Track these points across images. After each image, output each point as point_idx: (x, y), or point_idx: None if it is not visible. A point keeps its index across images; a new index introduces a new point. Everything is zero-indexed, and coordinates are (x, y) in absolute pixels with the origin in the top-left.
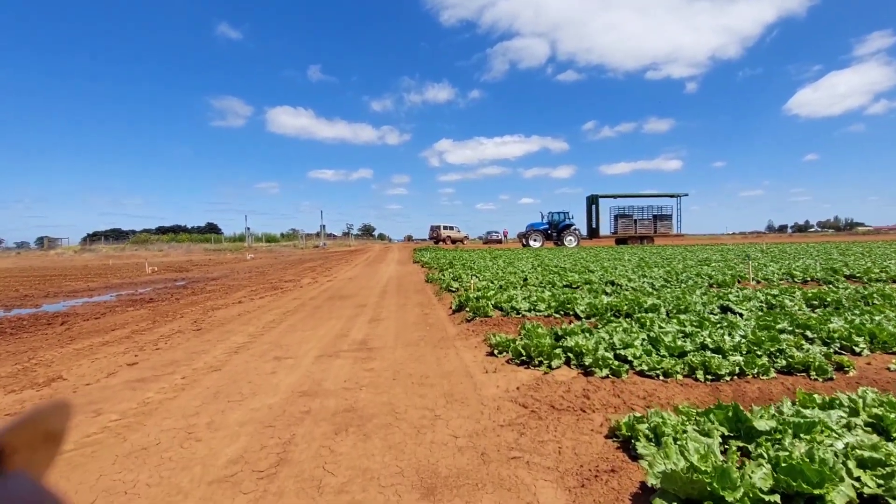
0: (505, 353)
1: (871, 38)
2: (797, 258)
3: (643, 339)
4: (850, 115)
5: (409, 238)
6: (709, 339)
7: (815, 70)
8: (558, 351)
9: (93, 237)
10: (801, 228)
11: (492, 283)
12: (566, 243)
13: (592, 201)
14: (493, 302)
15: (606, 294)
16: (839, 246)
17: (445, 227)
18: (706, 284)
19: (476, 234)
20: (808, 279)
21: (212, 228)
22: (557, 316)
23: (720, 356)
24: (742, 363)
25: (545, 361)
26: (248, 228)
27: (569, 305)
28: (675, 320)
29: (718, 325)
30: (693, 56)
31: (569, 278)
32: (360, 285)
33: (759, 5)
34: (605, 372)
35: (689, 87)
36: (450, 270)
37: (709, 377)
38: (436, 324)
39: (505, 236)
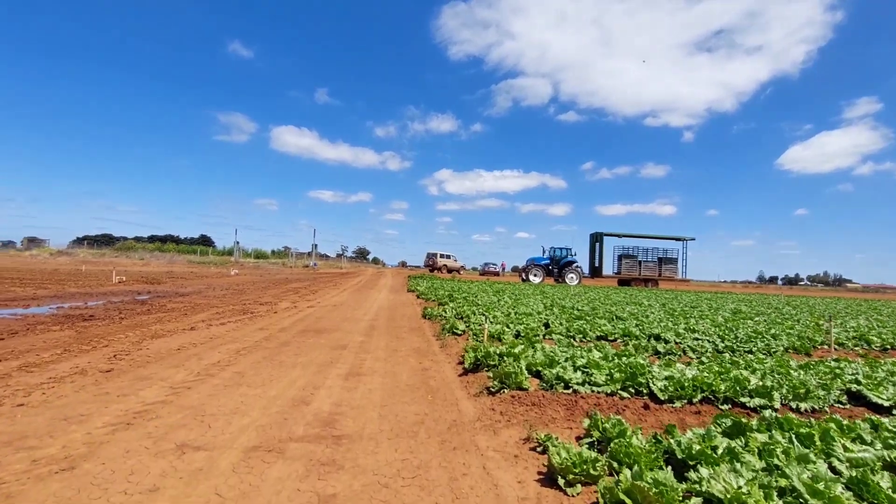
0: (580, 484)
1: (860, 103)
2: (837, 316)
3: (838, 481)
4: (839, 174)
5: (404, 264)
6: None
7: (806, 129)
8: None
9: (81, 241)
10: (792, 281)
11: (507, 326)
12: (567, 280)
13: (596, 239)
14: (524, 363)
15: (658, 354)
16: (855, 303)
17: (442, 256)
18: (782, 348)
19: (471, 264)
20: (888, 347)
21: (205, 241)
22: (625, 395)
23: None
24: None
25: None
26: (238, 242)
27: (640, 379)
28: (834, 425)
29: None
30: (690, 107)
31: (602, 328)
32: (344, 316)
33: (755, 64)
34: None
35: (686, 136)
36: (451, 305)
37: None
38: (441, 389)
39: (503, 269)
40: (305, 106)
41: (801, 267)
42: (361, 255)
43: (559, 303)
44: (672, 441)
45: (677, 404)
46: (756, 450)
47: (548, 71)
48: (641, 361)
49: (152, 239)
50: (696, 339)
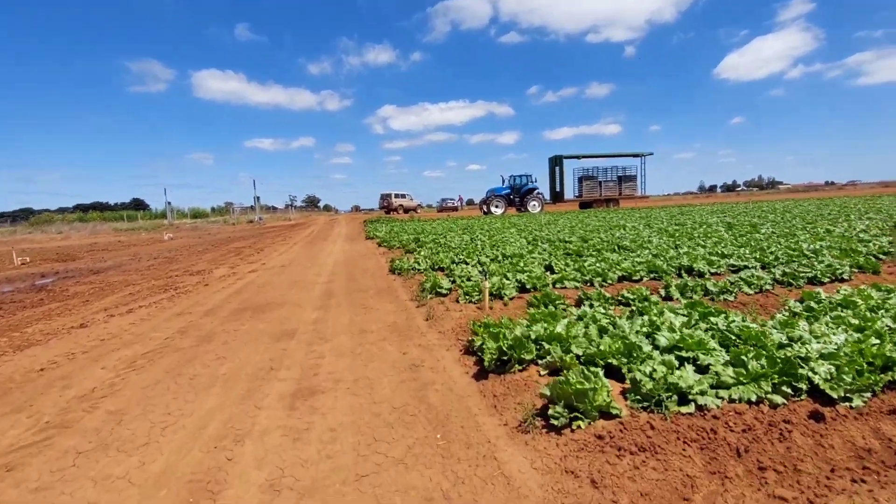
0: None
1: (793, 4)
2: (821, 220)
3: None
4: (772, 79)
5: (357, 209)
6: None
7: (742, 35)
8: None
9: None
10: (730, 188)
11: (505, 277)
12: (530, 209)
13: (556, 163)
14: (580, 351)
15: (710, 295)
16: (823, 203)
17: (397, 196)
18: (847, 268)
19: (426, 201)
20: None
21: (137, 205)
22: (777, 399)
23: None
24: None
25: None
26: (170, 203)
27: (800, 370)
28: None
29: None
30: (632, 19)
31: (620, 265)
32: (294, 279)
33: None
34: None
35: (628, 51)
36: (422, 253)
37: None
38: (452, 415)
39: (461, 203)
40: (226, 45)
41: (738, 174)
42: (312, 203)
43: (541, 236)
44: None
45: (857, 402)
46: None
47: None
48: (753, 326)
49: (78, 209)
50: (733, 266)
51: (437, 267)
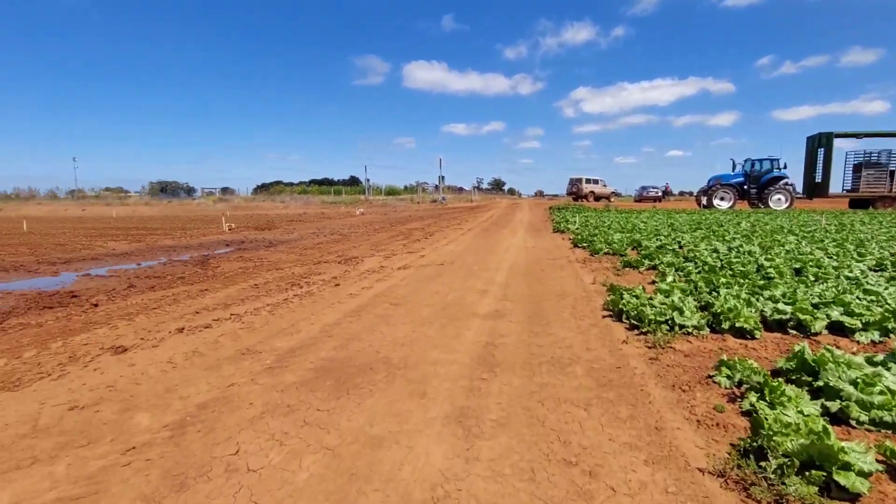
0: None
1: None
2: None
3: None
4: None
5: (540, 193)
6: None
7: None
8: None
9: (260, 188)
10: None
11: None
12: (772, 203)
13: (818, 143)
14: None
15: None
16: None
17: (588, 181)
18: None
19: (620, 189)
20: None
21: (354, 181)
22: None
23: None
24: None
25: None
26: (368, 180)
27: None
28: None
29: None
30: None
31: None
32: (444, 297)
33: None
34: None
35: None
36: (669, 276)
37: None
38: None
39: (667, 193)
40: (433, 36)
41: None
42: (497, 186)
43: (882, 257)
44: None
45: None
46: None
47: None
48: None
49: (311, 183)
50: None
51: (721, 320)
